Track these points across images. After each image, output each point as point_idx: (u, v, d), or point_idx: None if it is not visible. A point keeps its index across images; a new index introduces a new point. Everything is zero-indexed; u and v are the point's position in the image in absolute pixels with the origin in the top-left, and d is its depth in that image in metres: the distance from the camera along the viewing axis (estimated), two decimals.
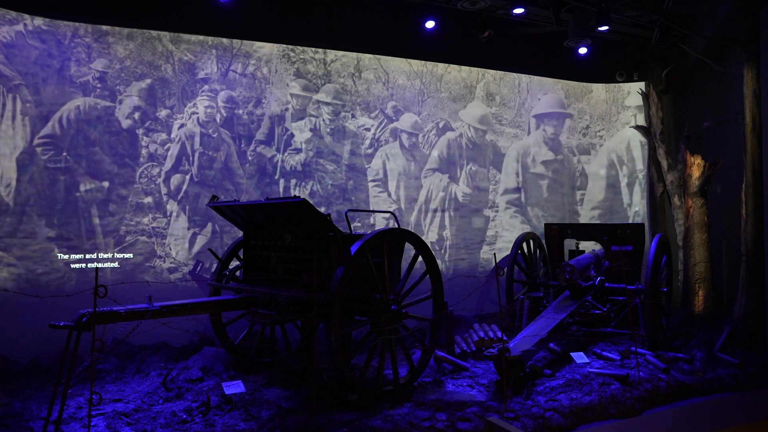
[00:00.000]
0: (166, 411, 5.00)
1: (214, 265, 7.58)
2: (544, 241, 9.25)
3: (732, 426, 5.70)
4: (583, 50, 9.39)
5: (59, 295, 6.45)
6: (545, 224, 9.19)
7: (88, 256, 7.39)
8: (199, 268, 7.87)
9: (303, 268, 5.73)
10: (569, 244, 9.14)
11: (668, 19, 8.76)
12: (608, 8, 8.26)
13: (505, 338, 6.80)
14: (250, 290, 5.83)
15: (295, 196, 5.94)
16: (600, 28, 8.46)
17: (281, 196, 8.45)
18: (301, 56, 8.89)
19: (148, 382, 5.87)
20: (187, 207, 8.08)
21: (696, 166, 8.55)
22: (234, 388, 5.20)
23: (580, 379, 5.68)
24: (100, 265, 7.34)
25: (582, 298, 7.35)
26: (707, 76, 9.30)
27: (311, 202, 5.44)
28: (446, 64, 9.76)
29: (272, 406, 5.08)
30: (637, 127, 10.28)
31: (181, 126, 8.12)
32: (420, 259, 5.94)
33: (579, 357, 6.41)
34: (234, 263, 6.86)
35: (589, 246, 9.22)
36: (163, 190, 7.98)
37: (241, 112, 8.46)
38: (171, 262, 7.84)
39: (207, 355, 6.51)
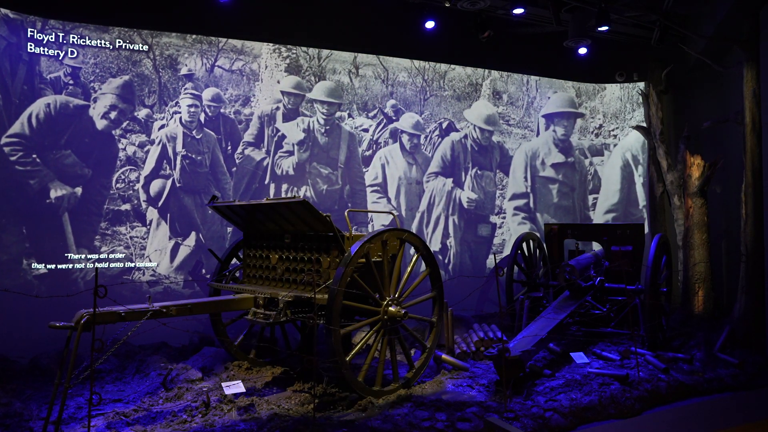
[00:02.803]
0: (166, 411, 5.00)
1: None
2: (544, 242, 9.24)
3: (732, 426, 5.70)
4: (583, 50, 9.38)
5: (59, 295, 6.45)
6: (545, 224, 9.15)
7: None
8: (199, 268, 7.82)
9: (303, 268, 5.74)
10: (569, 244, 9.12)
11: (668, 19, 8.76)
12: (608, 8, 8.27)
13: (504, 338, 6.80)
14: (250, 290, 5.83)
15: (294, 196, 5.93)
16: (600, 28, 8.47)
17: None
18: (294, 51, 8.41)
19: (148, 382, 5.87)
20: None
21: (696, 166, 8.55)
22: (234, 388, 5.20)
23: (579, 379, 5.68)
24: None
25: (582, 298, 7.35)
26: (707, 76, 9.29)
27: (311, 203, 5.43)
28: None
29: (272, 406, 5.09)
30: (637, 127, 10.27)
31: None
32: (420, 259, 5.95)
33: (579, 357, 6.41)
34: (234, 263, 6.87)
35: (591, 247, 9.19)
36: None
37: (227, 111, 8.00)
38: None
39: (207, 355, 6.52)
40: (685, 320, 8.36)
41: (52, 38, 7.06)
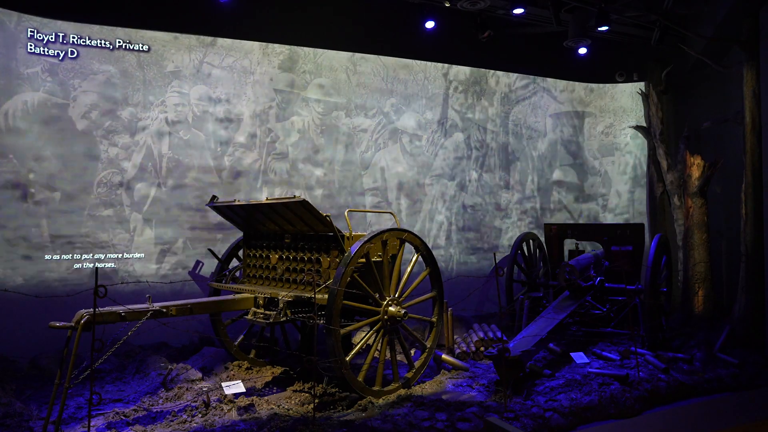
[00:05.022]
0: (166, 411, 5.01)
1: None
2: (543, 241, 9.22)
3: (732, 426, 5.69)
4: (582, 50, 9.38)
5: (59, 295, 6.45)
6: (545, 224, 9.11)
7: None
8: (198, 268, 7.80)
9: (303, 268, 5.74)
10: (570, 244, 9.11)
11: (668, 19, 8.76)
12: (608, 8, 8.27)
13: (504, 338, 6.81)
14: (250, 290, 5.83)
15: (294, 196, 5.89)
16: (600, 28, 8.47)
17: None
18: (288, 47, 8.09)
19: (148, 382, 5.88)
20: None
21: (696, 167, 8.55)
22: (234, 388, 5.21)
23: (579, 379, 5.68)
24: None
25: (582, 298, 7.35)
26: (707, 76, 9.30)
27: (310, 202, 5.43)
28: None
29: (272, 406, 5.09)
30: (637, 127, 10.26)
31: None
32: (420, 258, 5.95)
33: (579, 357, 6.41)
34: (234, 263, 6.87)
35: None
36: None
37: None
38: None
39: (207, 355, 6.52)
40: (685, 320, 8.36)
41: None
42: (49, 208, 6.80)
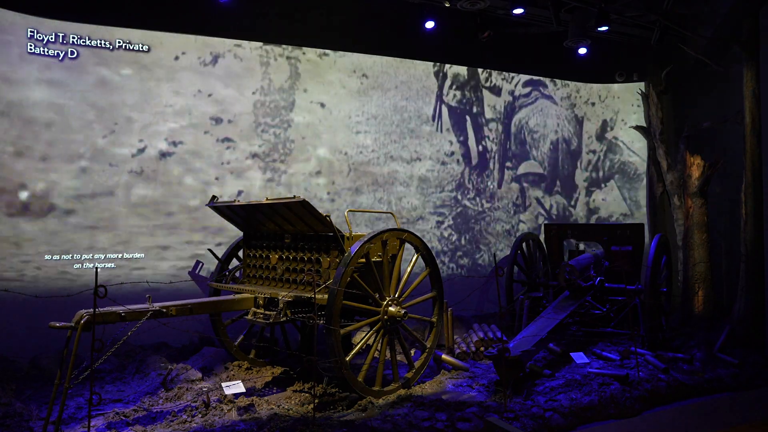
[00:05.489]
0: (166, 411, 5.00)
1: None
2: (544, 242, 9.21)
3: (732, 426, 5.70)
4: (582, 50, 9.38)
5: (59, 295, 6.44)
6: (545, 224, 9.11)
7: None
8: (198, 268, 7.80)
9: (303, 268, 5.74)
10: (570, 244, 9.10)
11: (668, 19, 8.76)
12: (608, 8, 8.27)
13: (504, 338, 6.81)
14: (250, 290, 5.83)
15: (294, 196, 5.86)
16: (599, 29, 8.47)
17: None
18: (288, 47, 8.06)
19: (148, 382, 5.87)
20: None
21: (695, 167, 8.55)
22: (234, 388, 5.20)
23: (579, 379, 5.68)
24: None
25: (582, 298, 7.35)
26: (707, 76, 9.30)
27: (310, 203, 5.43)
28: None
29: (272, 406, 5.09)
30: (637, 127, 10.26)
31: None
32: (420, 258, 5.95)
33: (579, 357, 6.41)
34: (234, 263, 6.87)
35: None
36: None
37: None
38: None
39: (207, 355, 6.52)
40: (685, 320, 8.36)
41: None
42: (47, 207, 6.80)
